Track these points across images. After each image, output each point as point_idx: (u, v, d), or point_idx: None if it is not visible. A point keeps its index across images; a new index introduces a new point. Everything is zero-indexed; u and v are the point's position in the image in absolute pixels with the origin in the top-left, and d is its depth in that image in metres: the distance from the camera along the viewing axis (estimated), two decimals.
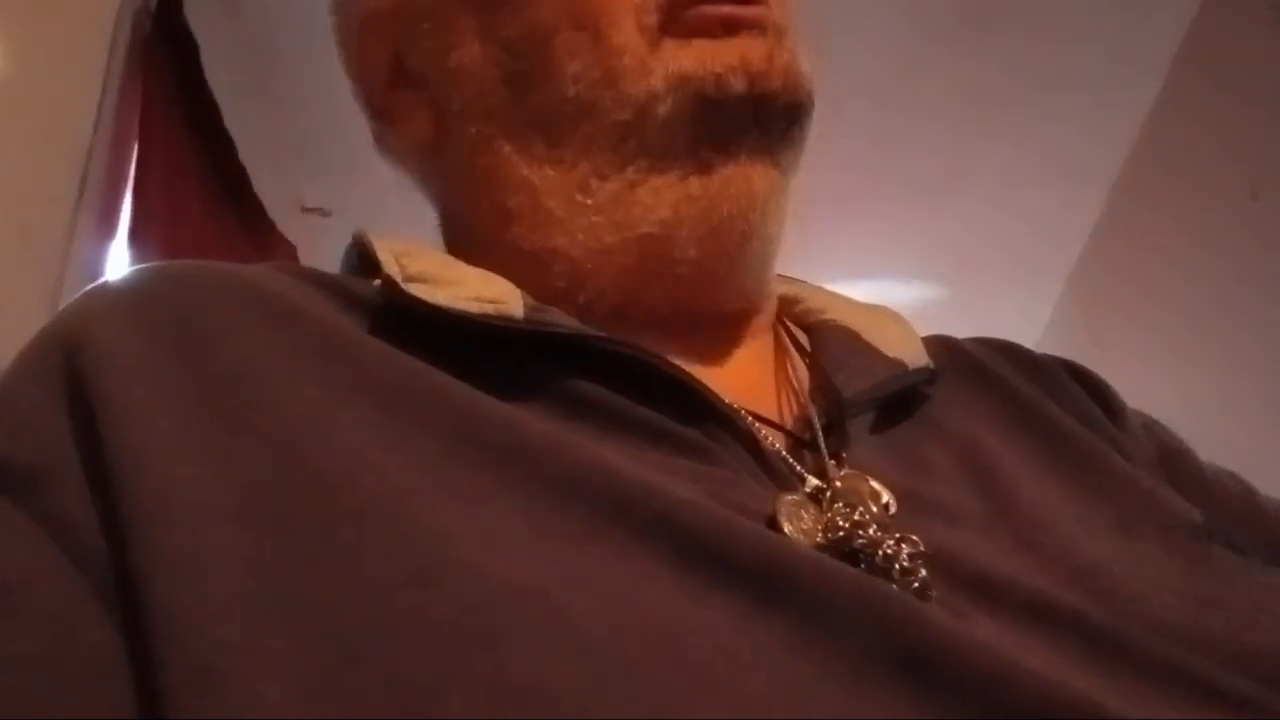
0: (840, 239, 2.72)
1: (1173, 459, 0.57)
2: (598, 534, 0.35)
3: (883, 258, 3.05)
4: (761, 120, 0.49)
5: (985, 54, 2.46)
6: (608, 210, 0.49)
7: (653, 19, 0.48)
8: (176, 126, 1.87)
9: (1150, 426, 0.59)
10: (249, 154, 2.17)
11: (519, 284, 0.47)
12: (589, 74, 0.49)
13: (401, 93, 0.55)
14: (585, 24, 0.49)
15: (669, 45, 0.48)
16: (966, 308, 3.16)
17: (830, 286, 0.60)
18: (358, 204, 2.79)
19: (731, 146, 0.49)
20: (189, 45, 1.91)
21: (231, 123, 2.09)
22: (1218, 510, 0.53)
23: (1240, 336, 2.42)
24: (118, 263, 1.57)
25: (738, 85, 0.48)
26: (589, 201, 0.49)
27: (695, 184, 0.48)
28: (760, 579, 0.34)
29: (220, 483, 0.36)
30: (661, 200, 0.48)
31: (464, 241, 0.55)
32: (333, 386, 0.40)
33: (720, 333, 0.53)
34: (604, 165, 0.49)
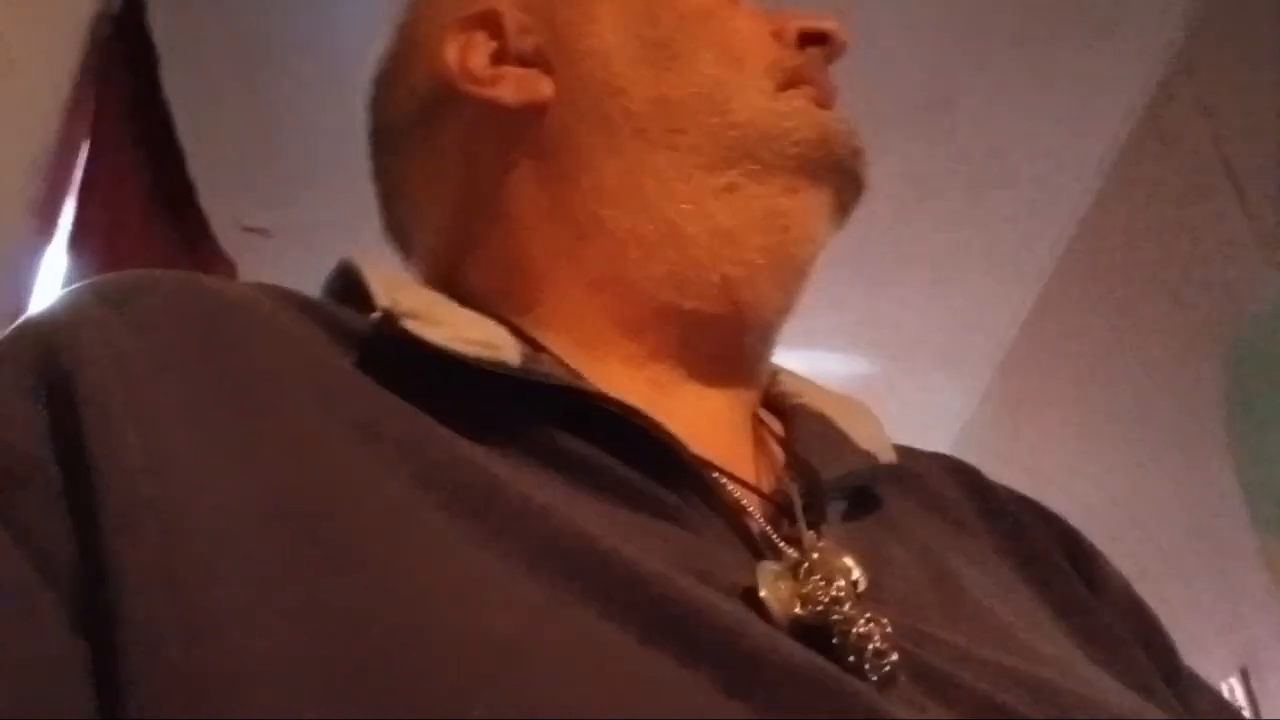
0: None
1: (1141, 622, 0.58)
2: (567, 600, 0.35)
3: (816, 329, 3.08)
4: (847, 176, 0.55)
5: (931, 142, 2.52)
6: (701, 200, 0.52)
7: (780, 76, 0.55)
8: (128, 134, 1.85)
9: (1129, 591, 0.59)
10: (193, 167, 2.15)
11: (578, 266, 0.53)
12: (727, 79, 0.54)
13: (508, 68, 0.56)
14: (728, 50, 0.55)
15: (787, 95, 0.55)
16: (896, 387, 3.20)
17: None
18: (299, 225, 2.79)
19: (820, 184, 0.54)
20: (148, 53, 1.90)
21: (181, 134, 2.07)
22: (1185, 690, 0.55)
23: (1156, 438, 2.48)
24: (52, 269, 1.54)
25: (845, 142, 0.55)
26: (685, 189, 0.53)
27: (782, 202, 0.53)
28: (726, 660, 0.35)
29: (203, 505, 0.35)
30: (750, 207, 0.53)
31: (504, 226, 0.55)
32: (314, 417, 0.39)
33: (715, 394, 0.54)
34: (715, 160, 0.53)
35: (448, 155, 0.58)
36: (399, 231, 0.62)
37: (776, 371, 0.60)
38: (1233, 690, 2.12)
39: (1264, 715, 2.06)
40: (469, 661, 0.32)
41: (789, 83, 0.55)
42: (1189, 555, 2.32)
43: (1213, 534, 2.25)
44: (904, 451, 0.58)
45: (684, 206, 0.52)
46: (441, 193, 0.58)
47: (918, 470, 0.59)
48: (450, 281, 0.56)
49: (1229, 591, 2.20)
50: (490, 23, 0.57)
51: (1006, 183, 2.66)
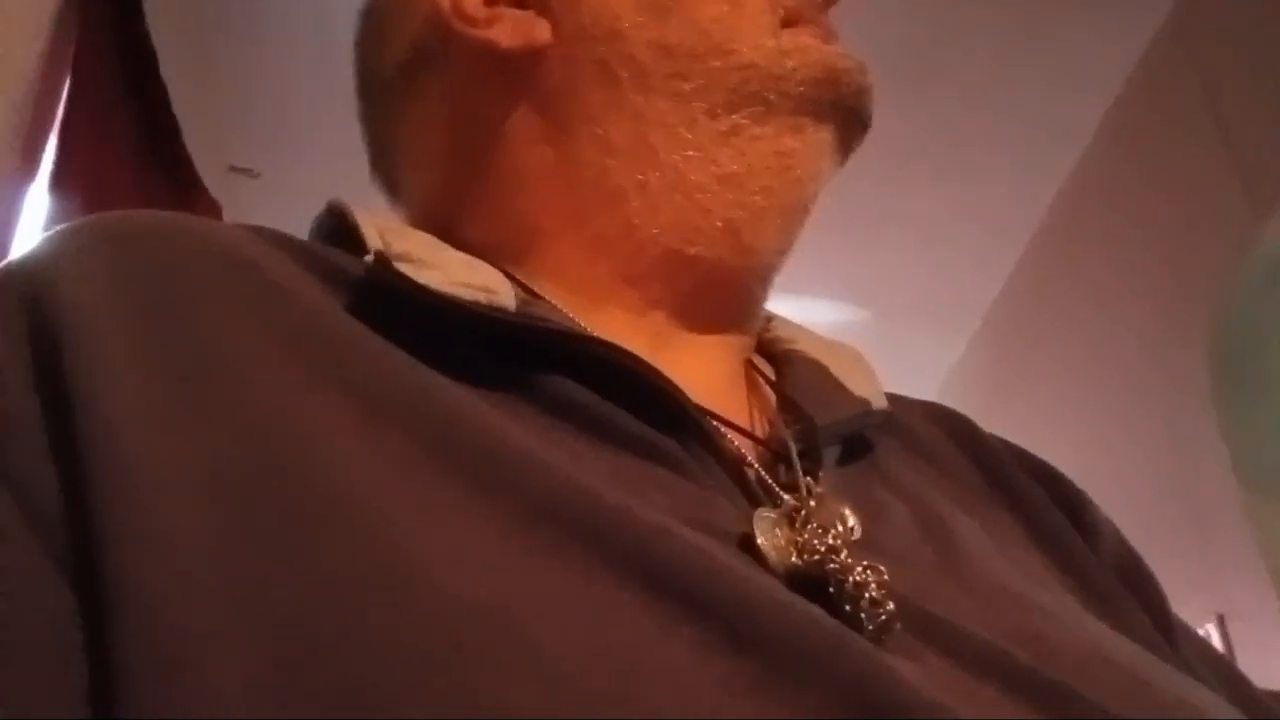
0: None
1: (1133, 571, 0.58)
2: (568, 556, 0.35)
3: (804, 276, 3.08)
4: (850, 114, 0.54)
5: (918, 99, 2.51)
6: (705, 147, 0.51)
7: (781, 14, 0.53)
8: (112, 73, 1.82)
9: (1122, 539, 0.59)
10: (180, 106, 2.13)
11: (579, 217, 0.52)
12: (728, 18, 0.52)
13: (503, 9, 0.54)
14: None
15: (790, 32, 0.53)
16: (882, 336, 3.21)
17: None
18: (287, 168, 2.77)
19: (825, 121, 0.53)
20: None
21: (166, 73, 2.05)
22: (1176, 637, 0.55)
23: (1138, 392, 2.49)
24: (36, 207, 1.52)
25: (852, 80, 0.53)
26: (690, 136, 0.51)
27: (786, 142, 0.52)
28: (729, 618, 0.34)
29: (190, 461, 0.35)
30: (754, 149, 0.52)
31: (500, 177, 0.54)
32: (307, 375, 0.38)
33: (712, 341, 0.53)
34: (718, 105, 0.52)
35: (440, 101, 0.56)
36: (387, 176, 0.61)
37: (770, 317, 0.60)
38: (1209, 636, 2.16)
39: (1239, 660, 2.10)
40: (451, 623, 0.32)
41: (789, 21, 0.54)
42: (1169, 505, 2.34)
43: (1192, 486, 2.28)
44: (894, 400, 0.58)
45: (689, 153, 0.51)
46: (433, 141, 0.56)
47: (908, 419, 0.59)
48: (442, 229, 0.54)
49: (1208, 542, 2.22)
50: None
51: (994, 140, 2.66)
